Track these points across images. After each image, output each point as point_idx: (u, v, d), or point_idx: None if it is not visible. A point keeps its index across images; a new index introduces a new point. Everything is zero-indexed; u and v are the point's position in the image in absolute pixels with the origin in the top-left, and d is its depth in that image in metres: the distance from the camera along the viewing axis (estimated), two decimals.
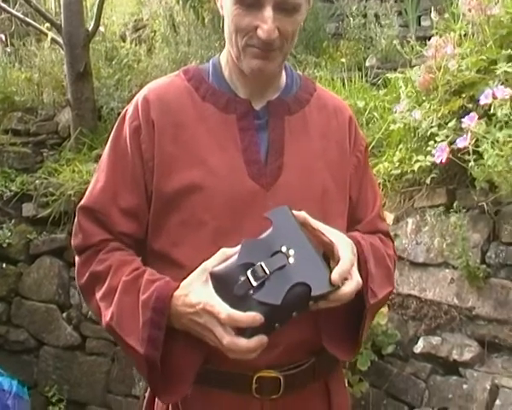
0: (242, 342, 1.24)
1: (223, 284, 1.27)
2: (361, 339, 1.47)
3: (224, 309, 1.23)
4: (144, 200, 1.44)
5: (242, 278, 1.24)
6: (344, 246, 1.34)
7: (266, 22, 1.35)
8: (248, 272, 1.24)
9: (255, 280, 1.23)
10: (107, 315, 1.39)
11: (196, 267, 1.34)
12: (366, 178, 1.61)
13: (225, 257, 1.29)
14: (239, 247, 1.28)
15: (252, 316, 1.22)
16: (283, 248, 1.27)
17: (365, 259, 1.42)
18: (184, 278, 1.34)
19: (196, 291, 1.28)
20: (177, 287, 1.31)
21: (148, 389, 1.53)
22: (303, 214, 1.34)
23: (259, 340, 1.25)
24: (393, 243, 1.66)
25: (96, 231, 1.45)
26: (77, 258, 1.50)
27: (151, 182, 1.43)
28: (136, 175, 1.44)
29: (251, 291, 1.23)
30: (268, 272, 1.24)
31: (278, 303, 1.22)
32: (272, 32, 1.35)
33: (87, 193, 1.51)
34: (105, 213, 1.45)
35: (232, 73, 1.49)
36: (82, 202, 1.50)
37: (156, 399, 1.47)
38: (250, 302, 1.23)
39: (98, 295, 1.42)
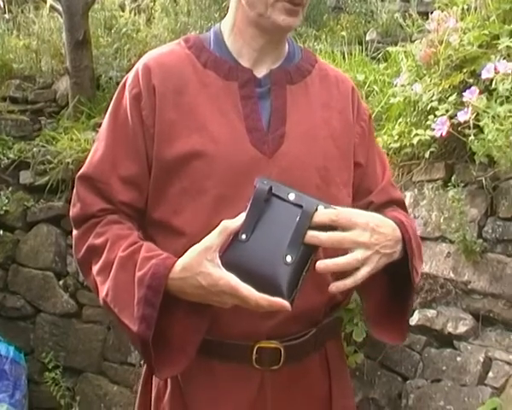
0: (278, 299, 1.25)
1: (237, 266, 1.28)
2: (409, 319, 1.50)
3: (251, 293, 1.24)
4: (145, 168, 1.43)
5: None
6: (389, 232, 1.36)
7: None
8: None
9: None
10: (102, 290, 1.38)
11: (197, 234, 1.34)
12: (372, 147, 1.61)
13: (229, 232, 1.28)
14: (241, 219, 1.29)
15: (280, 303, 1.24)
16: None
17: (409, 238, 1.41)
18: (185, 246, 1.34)
19: (206, 273, 1.27)
20: (174, 263, 1.31)
21: None
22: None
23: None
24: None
25: (95, 200, 1.44)
26: (74, 231, 1.48)
27: (152, 149, 1.42)
28: (136, 143, 1.43)
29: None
30: None
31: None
32: None
33: (86, 162, 1.49)
34: (104, 182, 1.43)
35: (237, 40, 1.48)
36: (80, 171, 1.48)
37: None
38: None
39: (95, 269, 1.41)
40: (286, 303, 1.24)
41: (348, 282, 1.32)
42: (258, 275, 1.25)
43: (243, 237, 1.28)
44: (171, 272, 1.30)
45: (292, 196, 1.29)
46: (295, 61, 1.53)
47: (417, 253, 1.45)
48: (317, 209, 1.27)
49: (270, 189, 1.30)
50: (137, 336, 1.31)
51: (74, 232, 1.48)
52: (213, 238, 1.27)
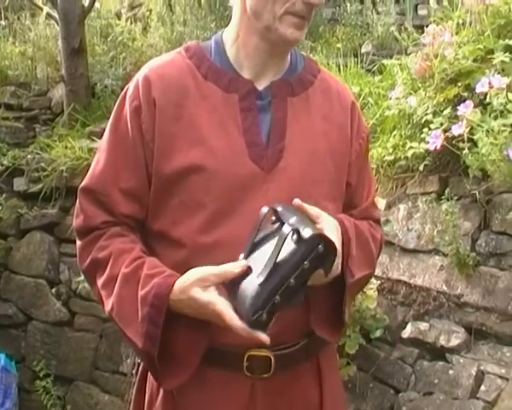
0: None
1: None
2: (344, 318, 1.48)
3: (233, 322, 1.27)
4: (145, 180, 1.44)
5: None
6: (330, 227, 1.36)
7: None
8: None
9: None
10: (107, 304, 1.41)
11: (195, 247, 1.37)
12: (365, 167, 1.62)
13: (229, 278, 1.29)
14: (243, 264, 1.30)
15: (257, 337, 1.26)
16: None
17: (348, 239, 1.43)
18: (184, 257, 1.37)
19: (195, 298, 1.30)
20: (175, 283, 1.33)
21: (141, 367, 1.54)
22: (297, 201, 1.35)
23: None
24: (382, 230, 1.69)
25: (97, 212, 1.45)
26: (78, 241, 1.50)
27: (151, 163, 1.42)
28: (136, 156, 1.43)
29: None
30: None
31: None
32: None
33: (88, 174, 1.50)
34: (106, 195, 1.44)
35: (240, 52, 1.46)
36: (83, 184, 1.49)
37: (148, 376, 1.49)
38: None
39: (99, 282, 1.43)
40: (264, 337, 1.26)
41: None
42: (240, 293, 1.28)
43: (241, 257, 1.31)
44: (172, 293, 1.32)
45: (292, 220, 1.28)
46: (298, 72, 1.52)
47: (360, 256, 1.47)
48: (293, 233, 1.25)
49: (275, 212, 1.31)
50: (143, 352, 1.35)
51: (78, 243, 1.50)
52: (211, 274, 1.30)
